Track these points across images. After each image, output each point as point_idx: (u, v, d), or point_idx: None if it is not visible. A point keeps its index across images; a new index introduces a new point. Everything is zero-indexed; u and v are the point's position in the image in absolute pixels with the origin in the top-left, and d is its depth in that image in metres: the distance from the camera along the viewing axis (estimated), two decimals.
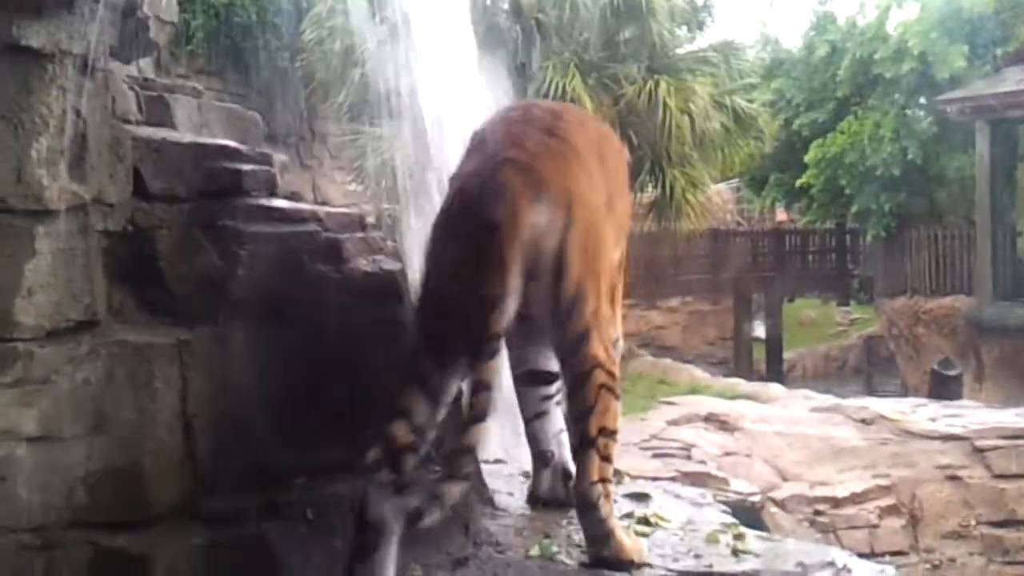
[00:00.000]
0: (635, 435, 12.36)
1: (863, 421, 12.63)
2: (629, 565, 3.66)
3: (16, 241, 3.15)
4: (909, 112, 23.63)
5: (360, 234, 3.97)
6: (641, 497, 4.55)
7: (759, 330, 27.78)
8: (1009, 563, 11.85)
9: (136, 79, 4.35)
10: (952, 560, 11.74)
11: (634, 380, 16.43)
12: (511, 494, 4.44)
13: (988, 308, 20.24)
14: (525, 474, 4.79)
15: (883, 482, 11.73)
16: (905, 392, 20.60)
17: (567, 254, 3.37)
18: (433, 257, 3.52)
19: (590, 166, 3.61)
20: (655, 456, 11.68)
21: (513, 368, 4.03)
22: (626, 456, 10.90)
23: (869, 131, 23.20)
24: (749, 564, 3.87)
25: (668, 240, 22.64)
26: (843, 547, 8.56)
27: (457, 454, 3.24)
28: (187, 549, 3.30)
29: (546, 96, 16.58)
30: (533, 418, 4.16)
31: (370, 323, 3.89)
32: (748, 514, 7.85)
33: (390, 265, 3.97)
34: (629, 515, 4.28)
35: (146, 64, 5.19)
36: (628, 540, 3.72)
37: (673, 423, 13.24)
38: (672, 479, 8.46)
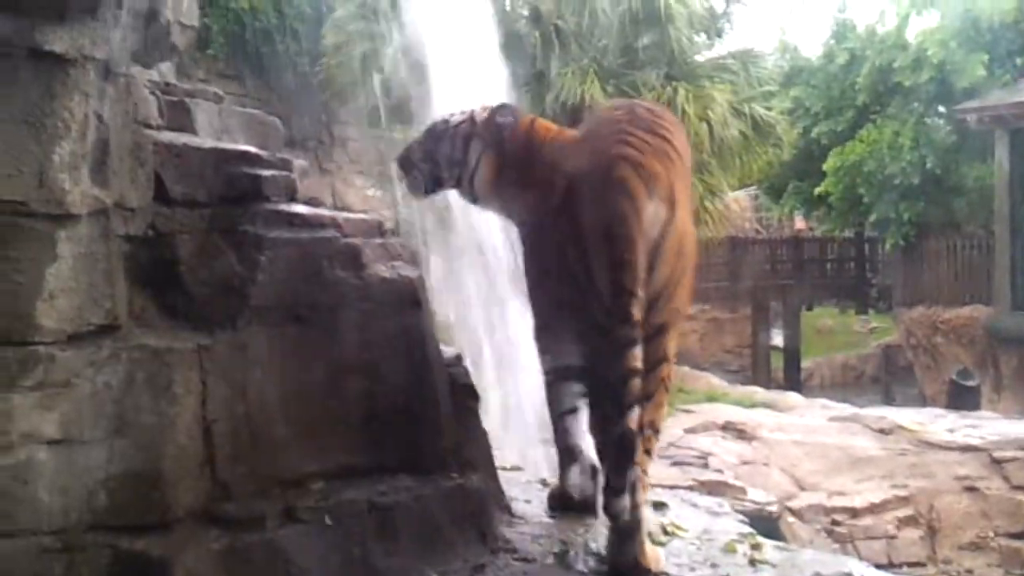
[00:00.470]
0: None
1: (881, 431, 12.59)
2: (646, 573, 3.66)
3: (38, 245, 3.16)
4: (928, 121, 23.58)
5: (379, 240, 3.98)
6: (658, 506, 4.55)
7: (777, 338, 27.72)
8: None
9: (157, 84, 4.36)
10: (970, 572, 11.68)
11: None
12: (528, 501, 4.44)
13: (1007, 318, 20.15)
14: (542, 482, 4.80)
15: (901, 492, 11.69)
16: (923, 402, 20.51)
17: (663, 249, 3.58)
18: (546, 251, 3.84)
19: (685, 169, 3.80)
20: (673, 464, 11.66)
21: (549, 362, 4.12)
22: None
23: (888, 140, 23.15)
24: (766, 574, 3.87)
25: None
26: (860, 557, 8.54)
27: (619, 439, 3.42)
28: (206, 553, 3.30)
29: (564, 103, 16.61)
30: (565, 413, 4.19)
31: (388, 329, 3.90)
32: (765, 523, 7.82)
33: (409, 271, 3.98)
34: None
35: (167, 68, 5.21)
36: (649, 546, 3.74)
37: (691, 431, 13.22)
38: (689, 488, 8.44)
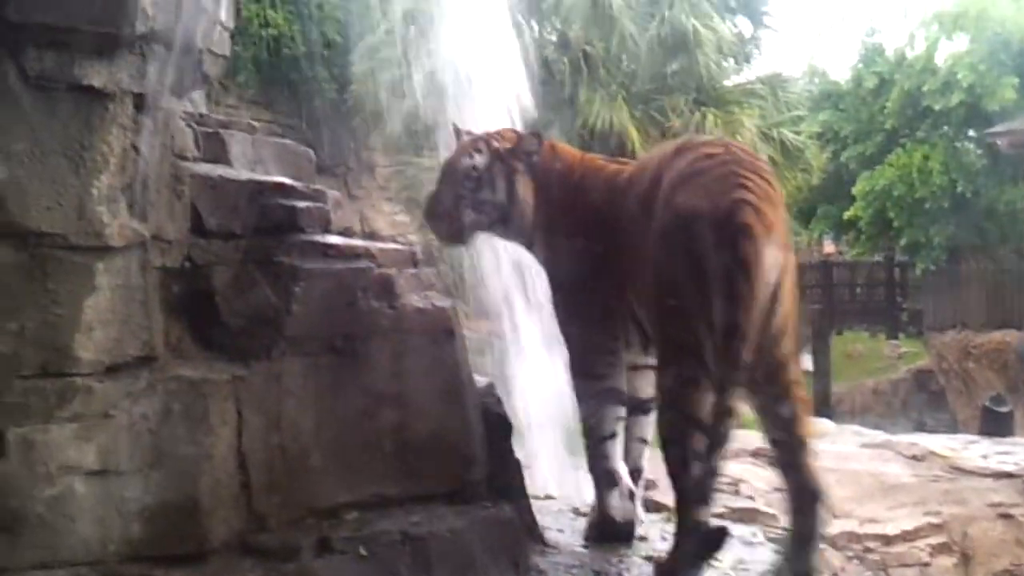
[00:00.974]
0: None
1: (914, 457, 12.46)
2: None
3: (77, 277, 3.20)
4: (958, 145, 23.47)
5: (412, 270, 4.00)
6: None
7: (807, 363, 27.59)
8: None
9: (193, 115, 4.40)
10: None
11: None
12: (561, 530, 4.44)
13: None
14: (575, 511, 4.79)
15: (934, 520, 11.55)
16: (955, 428, 20.35)
17: (781, 291, 3.67)
18: (652, 288, 3.84)
19: (784, 212, 3.88)
20: None
21: (595, 387, 4.29)
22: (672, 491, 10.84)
23: (918, 163, 23.05)
24: None
25: None
26: None
27: (704, 478, 3.58)
28: None
29: (592, 128, 16.62)
30: (609, 437, 4.30)
31: (421, 359, 3.92)
32: None
33: (441, 301, 3.99)
34: None
35: (198, 96, 5.25)
36: None
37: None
38: (720, 515, 8.38)
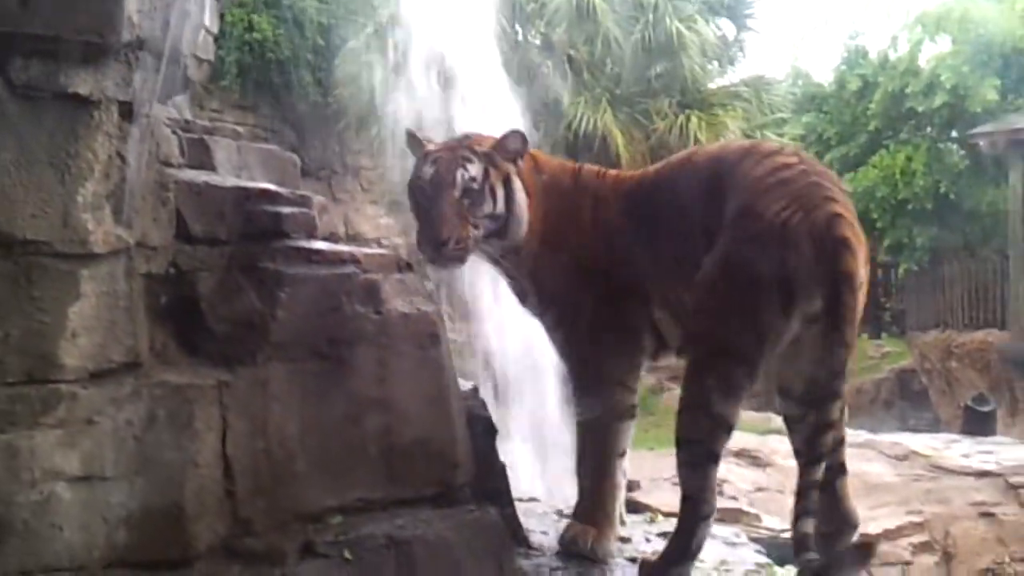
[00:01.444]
0: (666, 470, 12.26)
1: (896, 457, 12.51)
2: None
3: (61, 284, 3.20)
4: (941, 146, 23.53)
5: (397, 275, 4.02)
6: None
7: None
8: None
9: (177, 121, 4.41)
10: None
11: (665, 414, 16.31)
12: (545, 533, 4.46)
13: (1022, 343, 20.07)
14: (559, 513, 4.82)
15: (916, 519, 11.59)
16: (938, 427, 20.41)
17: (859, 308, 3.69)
18: (707, 290, 3.80)
19: None
20: None
21: (616, 402, 4.26)
22: (656, 492, 10.83)
23: (901, 165, 23.11)
24: None
25: None
26: None
27: (805, 490, 3.55)
28: None
29: (576, 132, 16.65)
30: (623, 454, 4.35)
31: (406, 364, 3.94)
32: (780, 551, 7.77)
33: (427, 306, 4.01)
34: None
35: (181, 100, 5.27)
36: None
37: None
38: None
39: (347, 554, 3.53)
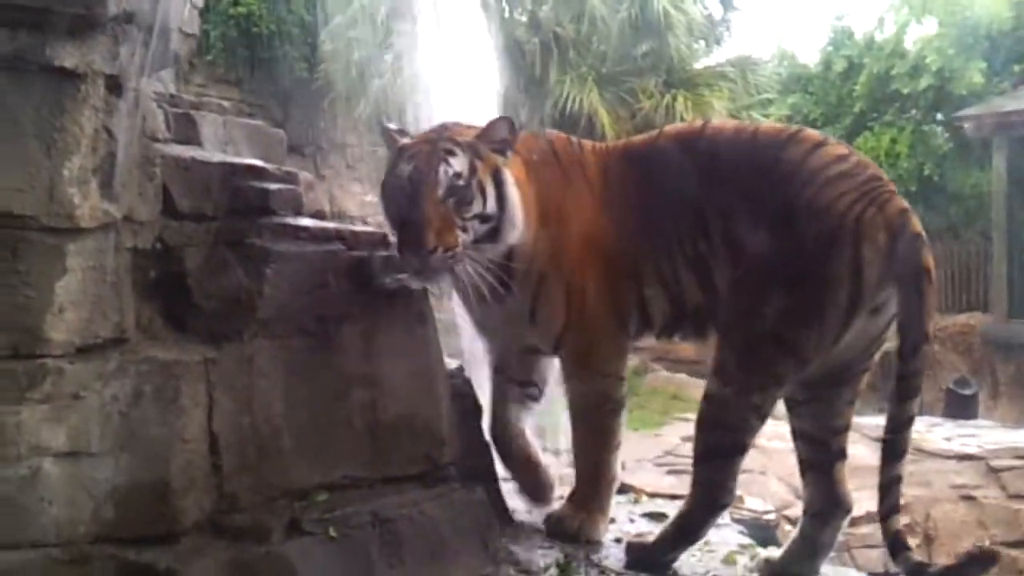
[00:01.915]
0: (650, 451, 12.35)
1: (879, 439, 12.57)
2: None
3: (47, 259, 3.18)
4: (926, 128, 23.55)
5: (385, 252, 4.00)
6: (659, 517, 4.58)
7: None
8: None
9: (163, 96, 4.39)
10: None
11: (648, 395, 16.39)
12: (530, 512, 4.46)
13: (1004, 326, 20.15)
14: None
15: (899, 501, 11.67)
16: (920, 410, 20.48)
17: None
18: (755, 283, 3.72)
19: None
20: (670, 472, 11.64)
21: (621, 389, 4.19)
22: (640, 472, 10.88)
23: (886, 147, 23.13)
24: None
25: None
26: (857, 566, 8.55)
27: (888, 487, 3.59)
28: (213, 564, 3.32)
29: (562, 110, 16.62)
30: (618, 445, 4.27)
31: (393, 341, 3.93)
32: (763, 532, 7.82)
33: (413, 284, 4.00)
34: (647, 535, 4.30)
35: (166, 75, 5.24)
36: None
37: (688, 439, 13.12)
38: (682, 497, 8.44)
39: (332, 532, 3.52)
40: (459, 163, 3.71)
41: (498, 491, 4.31)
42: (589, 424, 4.15)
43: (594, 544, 4.13)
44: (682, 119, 16.58)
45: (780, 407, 3.98)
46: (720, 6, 21.17)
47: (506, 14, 17.62)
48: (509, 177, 3.82)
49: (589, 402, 4.13)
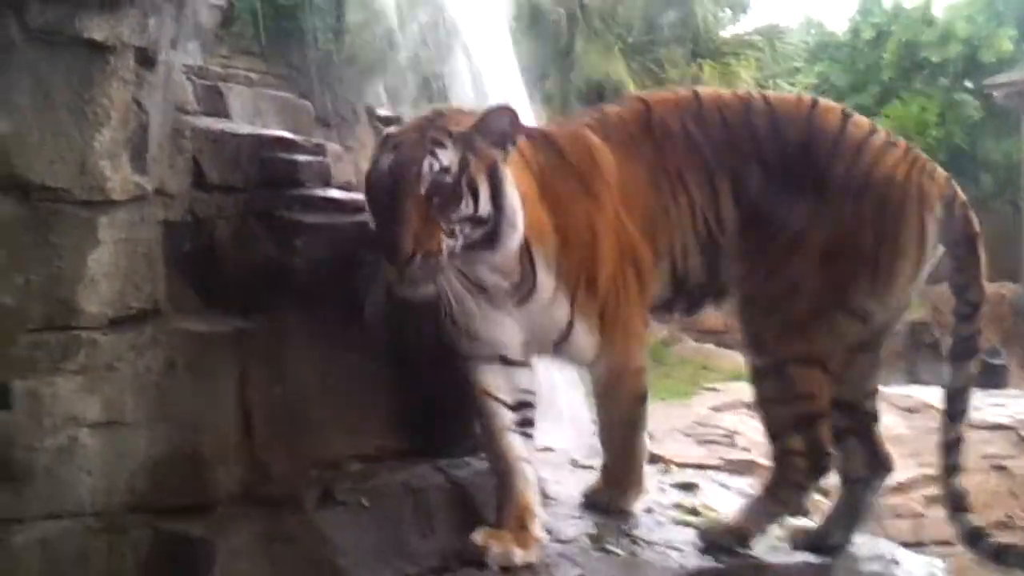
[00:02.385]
0: (678, 421, 12.34)
1: (908, 409, 12.50)
2: None
3: (80, 231, 3.20)
4: (956, 96, 23.39)
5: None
6: (689, 487, 4.57)
7: None
8: None
9: (192, 68, 4.39)
10: None
11: (676, 365, 16.38)
12: (559, 483, 4.46)
13: None
14: (574, 462, 4.83)
15: (928, 471, 11.59)
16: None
17: None
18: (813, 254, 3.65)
19: None
20: (699, 443, 11.65)
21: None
22: (669, 442, 10.88)
23: (915, 116, 22.97)
24: (799, 556, 3.88)
25: None
26: (888, 536, 8.53)
27: (950, 446, 3.72)
28: (246, 534, 3.35)
29: (588, 80, 16.56)
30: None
31: (422, 312, 3.92)
32: None
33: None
34: (678, 505, 4.30)
35: (192, 47, 5.24)
36: None
37: (716, 409, 13.18)
38: (716, 467, 8.44)
39: (364, 501, 3.54)
40: (448, 156, 3.24)
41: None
42: (622, 417, 3.95)
43: (626, 514, 4.12)
44: None
45: None
46: None
47: None
48: (508, 175, 3.34)
49: (624, 405, 3.90)
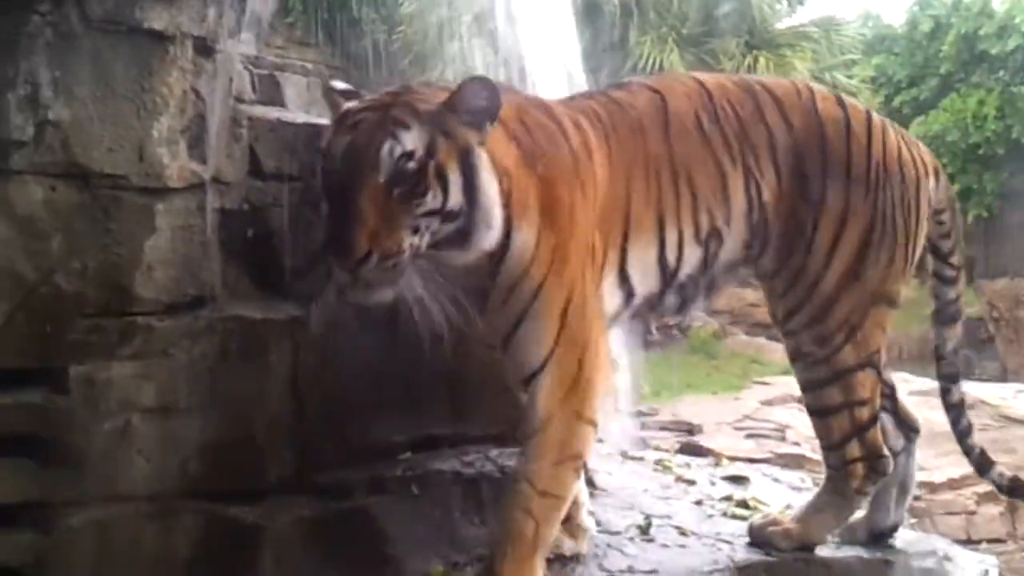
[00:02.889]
0: (729, 415, 12.30)
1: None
2: None
3: (137, 218, 3.23)
4: (1014, 90, 23.09)
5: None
6: (740, 480, 4.58)
7: None
8: None
9: (249, 57, 4.43)
10: None
11: (727, 359, 16.34)
12: (610, 473, 4.48)
13: None
14: (623, 454, 4.84)
15: None
16: (1005, 376, 20.16)
17: None
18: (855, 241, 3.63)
19: None
20: (749, 436, 11.60)
21: None
22: (719, 436, 10.87)
23: (973, 109, 22.73)
24: (850, 551, 3.87)
25: None
26: (939, 533, 8.45)
27: (956, 407, 4.07)
28: (297, 520, 3.40)
29: (643, 71, 16.50)
30: None
31: (474, 300, 3.93)
32: None
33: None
34: (728, 498, 4.30)
35: (247, 37, 5.28)
36: None
37: (767, 403, 13.12)
38: (766, 460, 8.40)
39: (415, 489, 3.57)
40: (412, 139, 2.83)
41: None
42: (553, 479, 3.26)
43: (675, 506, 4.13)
44: None
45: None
46: None
47: None
48: (484, 160, 2.93)
49: (563, 454, 3.25)
